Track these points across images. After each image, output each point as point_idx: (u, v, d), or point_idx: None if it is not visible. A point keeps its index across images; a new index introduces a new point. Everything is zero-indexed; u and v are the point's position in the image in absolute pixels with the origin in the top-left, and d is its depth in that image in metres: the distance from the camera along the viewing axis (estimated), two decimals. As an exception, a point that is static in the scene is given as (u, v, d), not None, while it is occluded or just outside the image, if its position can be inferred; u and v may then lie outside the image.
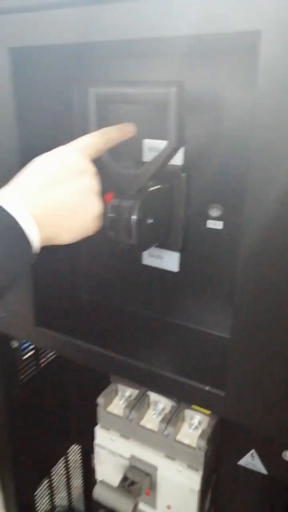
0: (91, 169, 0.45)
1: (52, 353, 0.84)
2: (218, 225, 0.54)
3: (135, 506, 0.62)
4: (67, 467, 1.02)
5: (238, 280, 0.42)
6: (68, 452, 1.01)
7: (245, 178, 0.49)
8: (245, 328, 0.43)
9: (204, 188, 0.53)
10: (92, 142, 0.46)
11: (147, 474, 0.68)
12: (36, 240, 0.41)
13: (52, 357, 0.85)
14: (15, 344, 0.70)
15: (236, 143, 0.49)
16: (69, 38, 0.43)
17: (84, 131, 0.47)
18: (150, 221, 0.50)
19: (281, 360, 0.42)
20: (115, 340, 0.58)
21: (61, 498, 1.04)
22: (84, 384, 0.89)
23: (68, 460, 1.02)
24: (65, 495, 1.06)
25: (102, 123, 0.48)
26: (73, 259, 0.66)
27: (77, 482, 1.08)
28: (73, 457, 1.04)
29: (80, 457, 1.06)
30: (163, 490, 0.69)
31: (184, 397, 0.55)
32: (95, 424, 0.74)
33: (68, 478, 1.04)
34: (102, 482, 0.67)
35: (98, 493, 0.65)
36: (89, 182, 0.44)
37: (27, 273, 0.57)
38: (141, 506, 0.72)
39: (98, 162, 0.48)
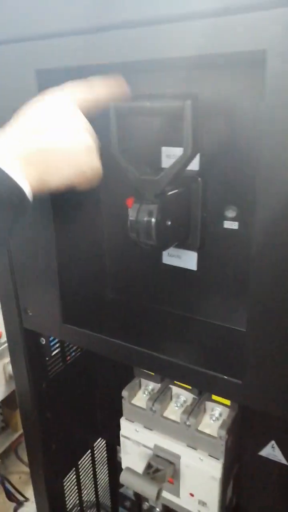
0: (77, 111, 0.46)
1: (78, 350, 0.88)
2: (234, 225, 0.57)
3: (159, 491, 0.66)
4: (93, 462, 1.07)
5: (252, 272, 0.45)
6: (94, 447, 1.05)
7: (255, 181, 0.53)
8: (260, 319, 0.46)
9: (220, 191, 0.57)
10: (77, 88, 0.48)
11: (170, 462, 0.72)
12: (25, 185, 0.43)
13: (77, 355, 0.89)
14: (43, 341, 0.75)
15: (247, 149, 0.53)
16: (87, 60, 0.48)
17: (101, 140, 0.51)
18: (168, 223, 0.54)
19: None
20: (138, 335, 0.62)
21: (87, 494, 1.09)
22: (108, 380, 0.93)
23: (95, 455, 1.07)
24: (92, 490, 1.10)
25: (122, 133, 0.52)
26: (97, 260, 0.70)
27: (103, 477, 1.13)
28: (99, 453, 1.08)
29: (106, 452, 1.10)
30: (186, 479, 0.72)
31: (203, 387, 0.59)
32: (119, 418, 0.78)
33: (94, 473, 1.08)
34: (128, 468, 0.71)
35: (125, 478, 0.69)
36: (76, 121, 0.46)
37: (54, 274, 0.62)
38: (166, 494, 0.76)
39: (119, 169, 0.52)
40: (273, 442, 0.73)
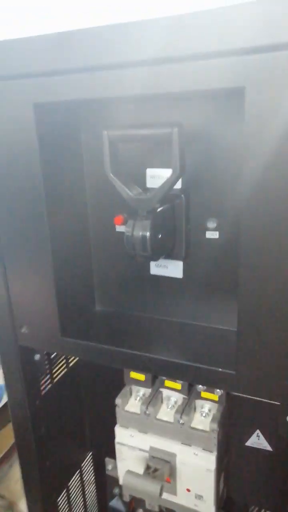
0: None
1: (64, 367, 0.91)
2: (215, 235, 0.64)
3: (161, 488, 0.70)
4: (81, 479, 1.08)
5: (240, 272, 0.52)
6: (83, 463, 1.07)
7: (233, 194, 0.61)
8: (249, 317, 0.53)
9: (201, 205, 0.64)
10: None
11: (167, 461, 0.76)
12: None
13: (63, 372, 0.92)
14: (38, 357, 0.77)
15: (224, 168, 0.60)
16: (80, 95, 0.54)
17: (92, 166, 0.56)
18: (159, 236, 0.61)
19: (281, 339, 0.52)
20: (134, 341, 0.67)
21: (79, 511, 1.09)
22: (94, 395, 0.96)
23: (83, 472, 1.08)
24: (82, 507, 1.11)
25: (114, 158, 0.58)
26: (86, 274, 0.75)
27: (92, 494, 1.14)
28: (87, 469, 1.09)
29: (93, 468, 1.12)
30: (182, 475, 0.77)
31: (199, 381, 0.64)
32: (107, 431, 0.81)
33: (83, 490, 1.09)
34: (129, 471, 0.75)
35: (127, 480, 0.72)
36: None
37: (52, 290, 0.65)
38: (163, 494, 0.80)
39: (107, 189, 0.58)
40: (257, 431, 0.80)
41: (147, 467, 0.75)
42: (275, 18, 0.41)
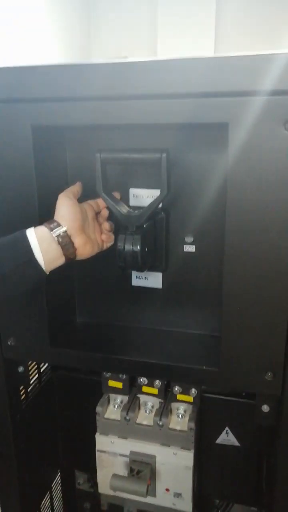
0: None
1: (37, 382, 0.92)
2: (191, 248, 0.72)
3: (148, 486, 0.74)
4: (51, 497, 1.07)
5: (224, 283, 0.60)
6: (54, 481, 1.06)
7: (208, 212, 0.69)
8: (232, 319, 0.61)
9: (179, 222, 0.71)
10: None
11: (147, 463, 0.81)
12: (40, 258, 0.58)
13: (37, 387, 0.93)
14: (21, 369, 0.78)
15: (200, 189, 0.69)
16: (73, 121, 0.60)
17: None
18: (146, 249, 0.67)
19: (259, 339, 0.61)
20: (117, 347, 0.72)
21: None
22: (67, 409, 0.98)
23: (52, 489, 1.07)
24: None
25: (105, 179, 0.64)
26: (70, 288, 0.79)
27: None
28: (56, 486, 1.09)
29: (61, 486, 1.12)
30: (161, 476, 0.82)
31: (186, 379, 0.71)
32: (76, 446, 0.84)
33: (52, 504, 1.08)
34: (115, 475, 0.78)
35: (114, 483, 0.75)
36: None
37: (42, 303, 0.68)
38: (141, 498, 0.83)
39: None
40: (226, 428, 0.87)
41: (131, 470, 0.79)
42: (257, 69, 0.51)
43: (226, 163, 0.56)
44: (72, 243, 0.62)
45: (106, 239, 0.69)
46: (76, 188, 0.67)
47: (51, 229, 0.60)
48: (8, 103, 0.60)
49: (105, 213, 0.69)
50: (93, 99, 0.58)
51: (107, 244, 0.70)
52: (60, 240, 0.60)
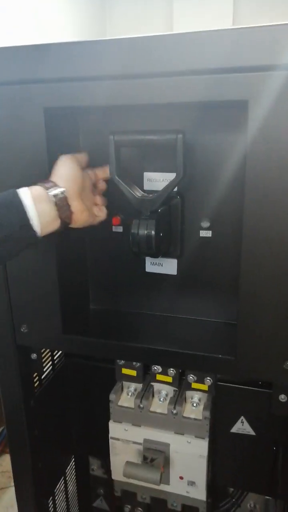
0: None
1: (50, 368, 0.92)
2: (208, 234, 0.70)
3: (161, 474, 0.74)
4: (65, 481, 1.08)
5: (241, 270, 0.58)
6: (68, 467, 1.07)
7: (225, 196, 0.67)
8: (249, 306, 0.59)
9: (195, 207, 0.69)
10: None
11: (161, 451, 0.80)
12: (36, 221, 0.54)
13: (52, 372, 0.93)
14: (34, 356, 0.78)
15: (217, 172, 0.66)
16: (86, 102, 0.57)
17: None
18: (161, 234, 0.65)
19: (277, 327, 0.59)
20: (133, 335, 0.71)
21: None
22: (80, 397, 0.98)
23: (66, 475, 1.08)
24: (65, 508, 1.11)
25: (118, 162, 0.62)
26: (82, 273, 0.77)
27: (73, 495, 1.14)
28: (70, 471, 1.10)
29: (75, 471, 1.12)
30: (175, 464, 0.81)
31: (201, 368, 0.69)
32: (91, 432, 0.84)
33: (67, 493, 1.09)
34: (128, 462, 0.77)
35: (128, 470, 0.75)
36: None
37: (54, 289, 0.67)
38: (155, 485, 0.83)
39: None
40: (242, 417, 0.86)
41: (144, 458, 0.78)
42: (279, 41, 0.48)
43: (245, 144, 0.54)
44: (69, 206, 0.58)
45: (98, 213, 0.66)
46: (82, 155, 0.64)
47: (47, 188, 0.56)
48: (20, 84, 0.58)
49: (102, 186, 0.67)
50: (107, 78, 0.56)
51: (99, 218, 0.67)
52: (57, 201, 0.56)
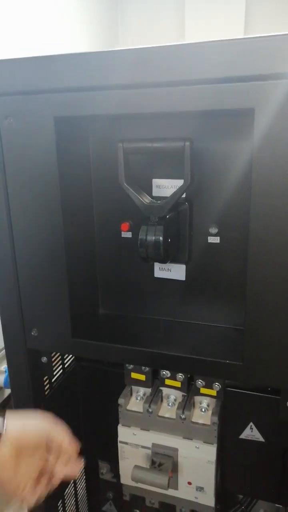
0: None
1: (61, 372, 0.93)
2: (216, 240, 0.70)
3: (169, 479, 0.74)
4: (75, 485, 1.09)
5: (248, 276, 0.58)
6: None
7: (233, 202, 0.67)
8: (256, 312, 0.59)
9: (203, 213, 0.70)
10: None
11: (169, 456, 0.80)
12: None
13: (62, 376, 0.94)
14: (44, 359, 0.79)
15: (224, 179, 0.67)
16: (93, 111, 0.59)
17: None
18: (169, 240, 0.66)
19: (284, 333, 0.59)
20: (140, 340, 0.72)
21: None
22: (90, 399, 0.99)
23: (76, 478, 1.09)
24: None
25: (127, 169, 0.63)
26: (92, 278, 0.79)
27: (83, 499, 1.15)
28: (79, 474, 1.10)
29: (84, 474, 1.13)
30: (184, 469, 0.81)
31: (208, 373, 0.69)
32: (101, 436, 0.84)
33: (76, 495, 1.10)
34: (137, 466, 0.78)
35: (136, 474, 0.75)
36: None
37: (64, 294, 0.69)
38: (163, 490, 0.83)
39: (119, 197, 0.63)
40: (251, 423, 0.85)
41: (152, 462, 0.78)
42: (282, 51, 0.48)
43: (251, 151, 0.54)
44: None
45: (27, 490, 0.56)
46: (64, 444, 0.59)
47: None
48: (30, 95, 0.60)
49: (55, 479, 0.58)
50: (116, 88, 0.57)
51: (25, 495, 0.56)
52: None
